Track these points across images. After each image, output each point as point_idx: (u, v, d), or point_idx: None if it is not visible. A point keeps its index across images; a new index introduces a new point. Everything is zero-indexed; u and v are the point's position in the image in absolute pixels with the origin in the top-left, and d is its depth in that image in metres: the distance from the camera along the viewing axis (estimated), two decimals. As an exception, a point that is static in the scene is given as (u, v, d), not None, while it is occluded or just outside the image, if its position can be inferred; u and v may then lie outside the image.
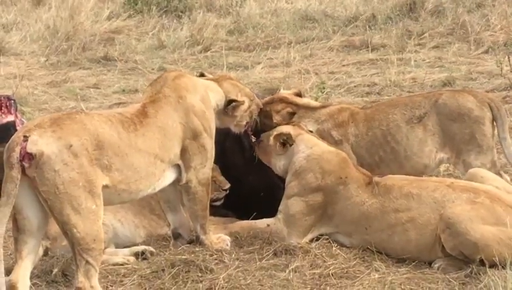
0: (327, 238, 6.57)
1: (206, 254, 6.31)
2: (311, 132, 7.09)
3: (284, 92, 7.69)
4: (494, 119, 7.23)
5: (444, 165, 7.78)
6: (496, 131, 7.28)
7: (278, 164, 6.87)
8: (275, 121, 7.13)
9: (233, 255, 6.32)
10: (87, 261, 5.49)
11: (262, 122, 7.10)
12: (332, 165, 6.64)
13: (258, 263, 6.20)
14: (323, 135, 7.19)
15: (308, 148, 6.76)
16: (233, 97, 6.72)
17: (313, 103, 7.76)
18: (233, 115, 6.76)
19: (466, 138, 7.20)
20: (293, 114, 7.20)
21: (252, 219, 6.78)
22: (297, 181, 6.66)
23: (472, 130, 7.19)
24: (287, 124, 7.06)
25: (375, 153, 7.32)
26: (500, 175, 7.02)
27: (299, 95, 7.65)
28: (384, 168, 7.21)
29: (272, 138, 6.86)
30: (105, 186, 5.64)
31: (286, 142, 6.77)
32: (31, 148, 5.36)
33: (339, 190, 6.53)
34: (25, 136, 5.42)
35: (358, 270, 6.09)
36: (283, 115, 7.18)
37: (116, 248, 6.46)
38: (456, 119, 7.23)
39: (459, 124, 7.22)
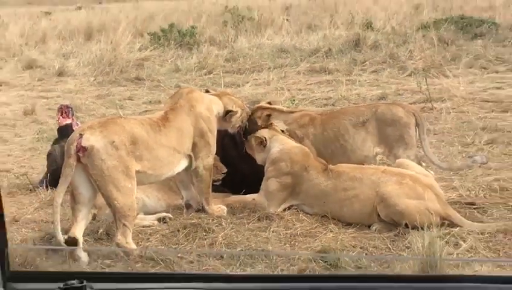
0: (296, 208, 6.57)
1: (209, 219, 6.32)
2: (283, 131, 7.12)
3: (260, 103, 7.71)
4: (417, 124, 7.27)
5: (379, 157, 7.79)
6: (417, 133, 7.32)
7: (259, 157, 6.88)
8: (259, 123, 7.16)
9: (228, 220, 6.31)
10: (124, 224, 5.52)
11: (250, 125, 7.14)
12: (298, 157, 6.65)
13: (246, 226, 6.20)
14: (290, 133, 7.23)
15: (281, 145, 6.78)
16: (229, 108, 6.75)
17: (283, 108, 7.80)
18: (230, 120, 6.80)
19: (397, 138, 7.22)
20: (269, 115, 7.23)
21: (242, 194, 6.78)
22: (273, 167, 6.67)
23: (401, 133, 7.22)
24: (266, 126, 7.07)
25: (329, 147, 7.34)
26: (420, 164, 7.05)
27: (270, 104, 7.69)
28: (336, 159, 7.18)
29: (252, 140, 6.90)
30: (137, 171, 5.66)
31: (262, 143, 6.81)
32: (85, 143, 5.40)
33: (303, 175, 6.54)
34: (80, 134, 5.46)
35: (318, 231, 6.10)
36: (263, 118, 7.22)
37: (144, 214, 6.46)
38: (390, 124, 7.26)
39: (392, 127, 7.25)
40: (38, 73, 16.53)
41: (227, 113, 6.74)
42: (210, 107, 6.53)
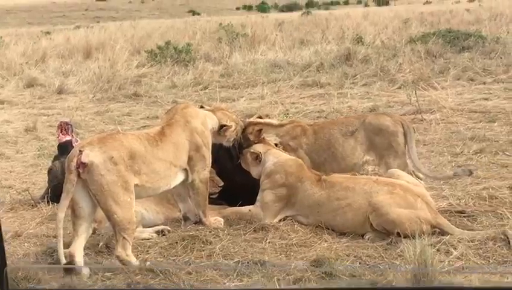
0: (291, 219, 6.54)
1: (207, 231, 6.28)
2: (277, 145, 7.14)
3: (251, 119, 7.68)
4: (404, 133, 7.28)
5: (371, 167, 7.81)
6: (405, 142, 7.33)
7: (254, 171, 6.86)
8: (251, 139, 7.14)
9: (225, 232, 6.28)
10: (123, 237, 5.50)
11: (244, 140, 7.13)
12: (293, 169, 6.64)
13: (243, 237, 6.17)
14: (283, 145, 7.25)
15: (276, 158, 6.78)
16: (224, 123, 6.74)
17: (273, 122, 7.79)
18: (224, 135, 6.78)
19: (386, 146, 7.24)
20: (260, 130, 7.21)
21: (238, 206, 6.77)
22: (269, 179, 6.66)
23: (389, 141, 7.23)
24: (259, 141, 7.07)
25: (321, 155, 7.36)
26: (410, 174, 7.06)
27: (260, 118, 7.70)
28: (328, 165, 7.29)
29: (248, 155, 6.89)
30: (136, 185, 5.65)
31: (257, 157, 6.81)
32: (84, 159, 5.39)
33: (298, 186, 6.53)
34: (80, 151, 5.45)
35: (313, 241, 6.08)
36: (254, 133, 7.19)
37: (143, 227, 6.45)
38: (378, 133, 7.28)
39: (380, 136, 7.27)
40: (38, 91, 16.57)
41: (222, 128, 6.73)
42: (205, 121, 6.53)
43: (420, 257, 5.14)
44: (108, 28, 37.82)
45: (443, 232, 5.93)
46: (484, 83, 14.28)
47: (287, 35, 25.76)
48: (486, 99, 12.59)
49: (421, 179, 7.19)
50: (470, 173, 7.01)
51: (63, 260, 5.35)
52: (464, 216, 6.50)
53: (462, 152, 8.94)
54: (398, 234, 5.87)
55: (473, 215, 6.49)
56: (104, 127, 12.22)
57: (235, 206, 6.80)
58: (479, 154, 8.76)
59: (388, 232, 5.96)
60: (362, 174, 7.48)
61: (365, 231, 6.15)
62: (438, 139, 9.72)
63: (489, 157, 8.63)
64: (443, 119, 10.91)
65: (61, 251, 5.37)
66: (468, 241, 5.75)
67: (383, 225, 5.99)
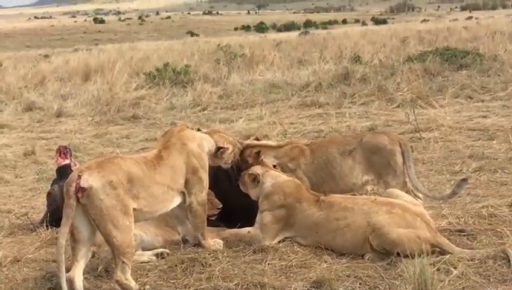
0: (290, 240, 6.54)
1: (206, 253, 6.28)
2: (275, 166, 7.14)
3: (248, 141, 7.69)
4: (402, 152, 7.28)
5: (370, 186, 7.82)
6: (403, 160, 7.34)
7: (253, 193, 6.86)
8: (250, 162, 7.15)
9: (224, 254, 6.28)
10: (123, 261, 5.49)
11: (242, 162, 7.14)
12: (291, 190, 6.64)
13: (242, 259, 6.16)
14: (282, 167, 7.25)
15: (274, 179, 6.78)
16: (221, 145, 6.75)
17: (270, 143, 7.78)
18: (222, 157, 6.78)
19: (384, 165, 7.24)
20: (258, 152, 7.22)
21: (237, 228, 6.77)
22: (267, 201, 6.66)
23: (387, 160, 7.23)
24: (258, 163, 7.07)
25: (319, 175, 7.34)
26: (409, 193, 7.06)
27: (258, 139, 7.72)
28: (326, 185, 7.26)
29: (246, 176, 6.90)
30: (134, 209, 5.65)
31: (255, 179, 6.82)
32: (83, 183, 5.39)
33: (296, 207, 6.53)
34: (79, 175, 5.45)
35: (312, 262, 6.07)
36: (253, 156, 7.20)
37: (142, 251, 6.44)
38: (376, 152, 7.28)
39: (378, 155, 7.27)
40: (37, 114, 16.63)
41: (219, 150, 6.74)
42: (201, 144, 6.54)
43: (420, 277, 5.15)
44: (107, 50, 38.00)
45: (443, 252, 5.92)
46: (482, 101, 14.35)
47: (285, 55, 25.90)
48: (484, 117, 12.63)
49: (420, 198, 7.19)
50: (465, 181, 6.97)
51: (65, 288, 5.32)
52: (464, 235, 6.50)
53: (461, 170, 8.95)
54: (398, 254, 5.87)
55: (473, 234, 6.49)
56: (103, 150, 12.24)
57: (234, 228, 6.79)
58: (478, 173, 8.77)
59: (388, 252, 5.95)
60: (361, 194, 7.48)
61: (365, 251, 6.14)
62: (436, 158, 9.74)
63: (489, 175, 8.64)
64: (442, 138, 10.93)
65: (63, 279, 5.33)
66: (468, 260, 5.75)
67: (382, 245, 5.99)
